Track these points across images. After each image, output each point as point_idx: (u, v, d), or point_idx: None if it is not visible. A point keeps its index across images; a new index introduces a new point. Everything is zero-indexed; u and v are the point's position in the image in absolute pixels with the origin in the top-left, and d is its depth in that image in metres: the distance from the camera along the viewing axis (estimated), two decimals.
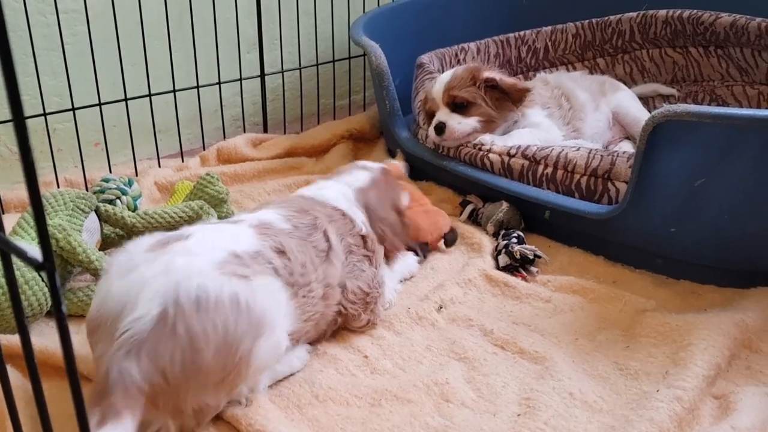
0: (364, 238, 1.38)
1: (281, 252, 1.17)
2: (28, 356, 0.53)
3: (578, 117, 1.97)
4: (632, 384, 1.21)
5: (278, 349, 1.10)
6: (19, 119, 0.42)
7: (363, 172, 1.53)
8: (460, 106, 1.83)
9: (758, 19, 2.06)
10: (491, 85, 1.83)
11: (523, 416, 1.13)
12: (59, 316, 0.46)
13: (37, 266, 0.45)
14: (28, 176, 0.45)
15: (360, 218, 1.40)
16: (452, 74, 1.87)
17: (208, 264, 1.04)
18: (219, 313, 0.99)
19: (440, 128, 1.82)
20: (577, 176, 1.62)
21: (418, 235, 1.61)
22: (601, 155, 1.61)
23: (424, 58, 2.09)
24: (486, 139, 1.79)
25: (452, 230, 1.68)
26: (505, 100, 1.85)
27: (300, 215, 1.29)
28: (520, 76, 2.31)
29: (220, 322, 0.99)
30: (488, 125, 1.84)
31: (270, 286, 1.10)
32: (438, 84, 1.86)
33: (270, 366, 1.12)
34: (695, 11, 2.19)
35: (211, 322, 0.98)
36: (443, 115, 1.83)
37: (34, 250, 0.42)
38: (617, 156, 1.59)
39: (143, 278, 1.01)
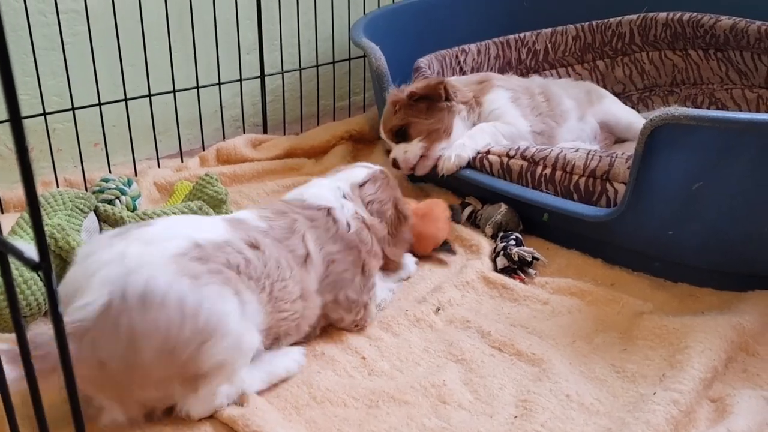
0: (350, 243, 1.33)
1: (253, 245, 1.16)
2: (25, 356, 0.53)
3: (554, 116, 1.93)
4: (629, 386, 1.21)
5: (239, 349, 1.07)
6: (15, 119, 0.43)
7: (362, 169, 1.52)
8: (401, 135, 1.84)
9: (758, 23, 2.07)
10: (415, 99, 1.82)
11: (520, 418, 1.14)
12: (55, 316, 0.47)
13: (33, 266, 0.45)
14: (25, 176, 0.45)
15: (349, 213, 1.36)
16: (384, 111, 1.91)
17: (163, 255, 1.03)
18: (163, 314, 0.98)
19: (395, 164, 1.85)
20: (575, 177, 1.63)
21: (420, 243, 1.60)
22: (600, 156, 1.61)
23: (423, 61, 2.09)
24: (446, 153, 1.77)
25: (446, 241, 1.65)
26: (435, 104, 1.82)
27: (277, 217, 1.27)
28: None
29: (163, 324, 0.98)
30: (434, 137, 1.81)
31: (222, 291, 1.04)
32: (381, 125, 1.91)
33: (235, 365, 1.08)
34: (695, 14, 2.19)
35: (154, 322, 0.97)
36: (393, 150, 1.86)
37: (32, 250, 0.42)
38: (616, 157, 1.59)
39: (98, 264, 1.01)
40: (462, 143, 1.77)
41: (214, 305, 1.02)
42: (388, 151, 2.14)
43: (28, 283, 1.31)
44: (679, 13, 2.23)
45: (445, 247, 1.64)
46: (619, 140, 2.07)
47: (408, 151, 1.82)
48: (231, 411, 1.11)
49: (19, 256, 0.48)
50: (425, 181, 1.98)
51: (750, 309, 1.37)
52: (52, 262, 0.46)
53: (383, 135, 1.90)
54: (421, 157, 1.82)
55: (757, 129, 1.31)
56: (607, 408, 1.17)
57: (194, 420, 1.10)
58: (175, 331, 0.98)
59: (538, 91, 1.95)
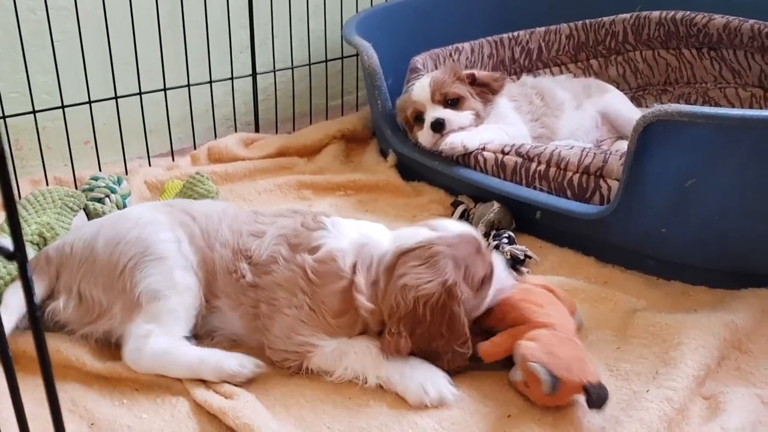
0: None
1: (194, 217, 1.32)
2: (2, 346, 0.52)
3: (552, 114, 1.99)
4: (623, 384, 1.21)
5: (172, 280, 1.22)
6: None
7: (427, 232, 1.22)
8: (453, 103, 1.87)
9: (751, 21, 2.07)
10: (470, 81, 1.90)
11: (514, 417, 1.13)
12: (31, 307, 0.45)
13: (7, 256, 0.44)
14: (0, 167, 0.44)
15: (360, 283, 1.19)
16: (436, 75, 1.90)
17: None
18: (123, 219, 1.30)
19: (439, 124, 1.82)
20: (569, 173, 1.62)
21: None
22: (594, 153, 1.62)
23: (418, 61, 2.08)
24: (456, 138, 1.79)
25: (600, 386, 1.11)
26: (485, 93, 1.91)
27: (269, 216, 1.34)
28: (514, 77, 2.31)
29: (119, 225, 1.27)
30: (477, 119, 1.88)
31: (171, 234, 1.26)
32: (421, 87, 1.89)
33: (168, 302, 1.21)
34: (688, 13, 2.19)
35: (115, 223, 1.28)
36: (437, 112, 1.85)
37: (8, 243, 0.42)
38: (610, 154, 1.59)
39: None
40: (470, 133, 1.82)
41: (165, 234, 1.26)
42: (382, 152, 2.14)
43: (13, 275, 1.30)
44: (672, 12, 2.22)
45: (595, 392, 1.10)
46: (625, 136, 2.06)
47: (460, 116, 1.85)
48: (221, 403, 1.11)
49: None
50: (419, 180, 1.98)
51: (743, 307, 1.36)
52: (27, 254, 0.45)
53: (423, 97, 1.87)
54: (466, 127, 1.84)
55: (750, 126, 1.31)
56: None
57: (129, 366, 1.20)
58: (124, 232, 1.25)
59: (533, 92, 2.01)
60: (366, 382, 1.17)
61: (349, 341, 1.20)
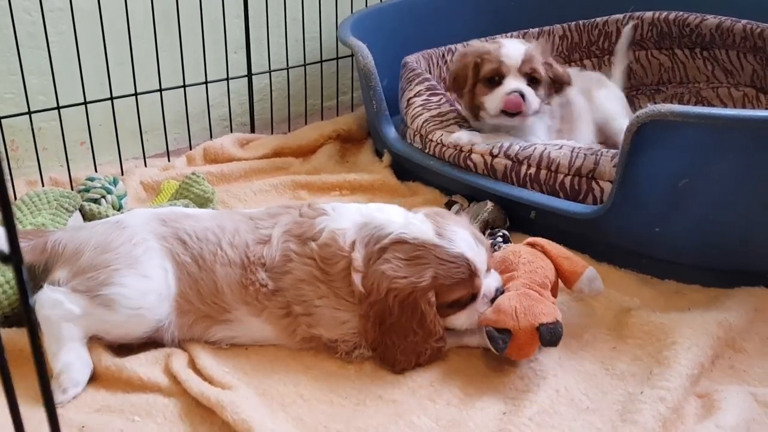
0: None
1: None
2: None
3: (571, 129, 1.89)
4: (618, 384, 1.21)
5: (144, 297, 1.21)
6: None
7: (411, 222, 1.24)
8: (533, 82, 1.74)
9: (743, 21, 2.08)
10: (549, 74, 1.79)
11: (509, 414, 1.13)
12: (26, 308, 0.46)
13: (3, 258, 0.44)
14: None
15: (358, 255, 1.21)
16: (530, 47, 1.76)
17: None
18: (116, 234, 1.25)
19: (521, 97, 1.69)
20: (560, 176, 1.63)
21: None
22: (585, 154, 1.61)
23: (410, 58, 2.09)
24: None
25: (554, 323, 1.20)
26: (551, 87, 1.80)
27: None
28: None
29: (111, 234, 1.25)
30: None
31: (160, 262, 1.25)
32: (513, 49, 1.74)
33: (115, 313, 1.20)
34: (681, 13, 2.20)
35: (109, 230, 1.26)
36: (521, 83, 1.72)
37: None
38: (601, 155, 1.59)
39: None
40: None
41: (151, 253, 1.24)
42: (377, 152, 2.14)
43: (11, 283, 1.30)
44: (665, 13, 2.23)
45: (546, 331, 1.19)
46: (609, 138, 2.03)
47: (537, 99, 1.73)
48: (219, 395, 1.12)
49: None
50: (414, 179, 1.98)
51: (736, 306, 1.37)
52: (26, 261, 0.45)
53: (513, 60, 1.72)
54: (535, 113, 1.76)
55: (743, 126, 1.32)
56: (596, 404, 1.17)
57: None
58: (116, 245, 1.23)
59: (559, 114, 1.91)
60: None
61: None
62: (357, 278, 1.20)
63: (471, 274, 1.21)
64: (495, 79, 1.74)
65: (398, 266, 1.18)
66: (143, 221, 1.29)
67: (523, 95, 1.70)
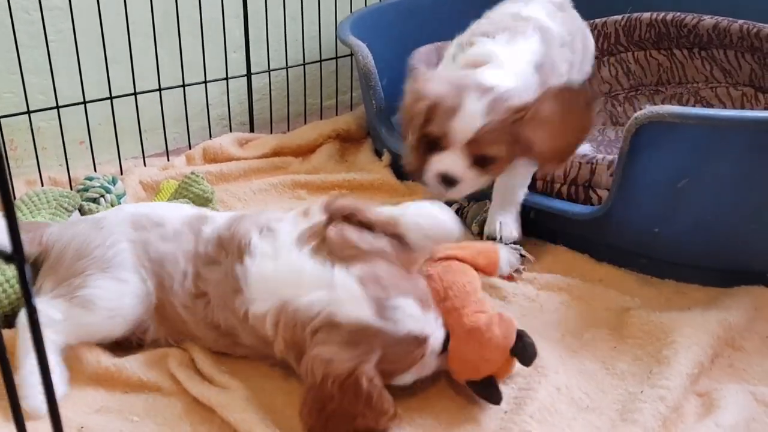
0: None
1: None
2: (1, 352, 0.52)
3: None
4: (618, 383, 1.22)
5: (121, 299, 1.22)
6: None
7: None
8: (482, 161, 1.40)
9: (740, 22, 2.08)
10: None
11: (510, 412, 1.14)
12: (30, 308, 0.46)
13: (6, 258, 0.44)
14: None
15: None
16: (489, 118, 1.34)
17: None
18: (95, 229, 1.27)
19: (451, 181, 1.40)
20: (557, 185, 1.63)
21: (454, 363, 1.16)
22: (579, 163, 1.60)
23: (421, 50, 2.04)
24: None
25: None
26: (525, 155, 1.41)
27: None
28: None
29: (92, 235, 1.26)
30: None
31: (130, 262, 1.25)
32: (464, 120, 1.35)
33: (118, 319, 1.22)
34: (678, 14, 2.21)
35: (89, 231, 1.27)
36: (458, 166, 1.38)
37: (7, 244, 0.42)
38: (597, 164, 1.59)
39: None
40: None
41: (123, 255, 1.25)
42: (377, 152, 2.14)
43: (11, 281, 1.30)
44: (663, 13, 2.24)
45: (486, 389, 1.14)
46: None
47: (475, 182, 1.45)
48: (219, 397, 1.12)
49: None
50: (413, 179, 1.97)
51: (736, 305, 1.37)
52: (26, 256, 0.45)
53: (459, 134, 1.35)
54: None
55: (742, 126, 1.32)
56: (597, 403, 1.17)
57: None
58: (92, 248, 1.24)
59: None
60: None
61: None
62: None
63: (420, 344, 1.07)
64: (438, 143, 1.40)
65: (334, 349, 1.02)
66: (118, 221, 1.29)
67: (453, 181, 1.40)
